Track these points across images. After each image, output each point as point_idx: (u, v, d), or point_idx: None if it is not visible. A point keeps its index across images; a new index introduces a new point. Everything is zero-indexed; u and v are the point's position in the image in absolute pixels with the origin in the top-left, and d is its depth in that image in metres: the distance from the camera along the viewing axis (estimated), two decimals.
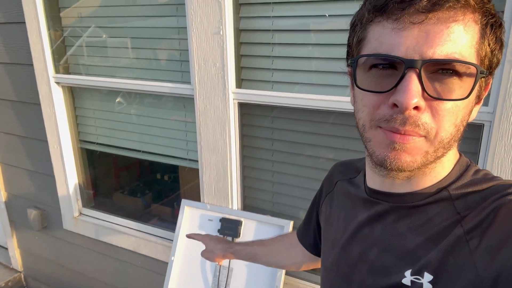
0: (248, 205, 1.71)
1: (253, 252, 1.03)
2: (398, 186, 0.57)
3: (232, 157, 1.60)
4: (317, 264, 0.94)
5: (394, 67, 0.48)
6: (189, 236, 1.15)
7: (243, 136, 1.62)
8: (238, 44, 1.50)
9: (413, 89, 0.45)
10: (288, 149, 1.56)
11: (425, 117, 0.47)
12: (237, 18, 1.47)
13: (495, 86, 1.11)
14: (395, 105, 0.47)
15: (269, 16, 1.42)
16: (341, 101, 1.35)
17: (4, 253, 2.81)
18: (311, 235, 0.88)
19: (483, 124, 1.16)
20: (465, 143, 1.23)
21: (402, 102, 0.45)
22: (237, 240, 1.60)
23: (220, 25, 1.44)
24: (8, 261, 2.75)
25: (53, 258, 2.47)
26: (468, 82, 0.47)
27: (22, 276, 2.73)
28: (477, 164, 1.20)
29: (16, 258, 2.68)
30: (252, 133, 1.61)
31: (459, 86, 0.47)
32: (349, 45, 0.57)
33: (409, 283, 0.52)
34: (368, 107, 0.51)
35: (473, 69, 0.46)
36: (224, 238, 1.16)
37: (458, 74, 0.46)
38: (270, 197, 1.66)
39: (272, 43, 1.45)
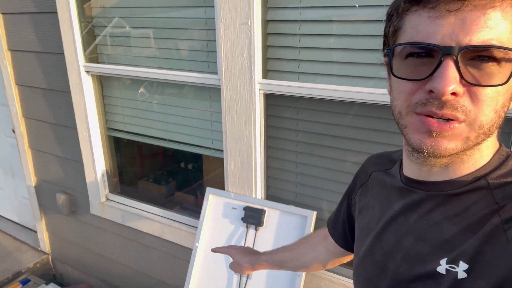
0: (271, 195, 1.73)
1: (279, 260, 1.03)
2: (435, 174, 0.56)
3: (257, 147, 1.62)
4: (343, 260, 0.95)
5: (430, 55, 0.48)
6: (214, 250, 1.15)
7: (268, 126, 1.63)
8: (266, 34, 1.51)
9: (450, 75, 0.45)
10: (313, 140, 1.56)
11: (463, 101, 0.47)
12: (265, 8, 1.48)
13: None
14: (431, 92, 0.47)
15: (297, 7, 1.42)
16: (367, 93, 1.34)
17: (33, 236, 2.93)
18: (340, 227, 0.88)
19: None
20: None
21: (439, 89, 0.46)
22: (261, 229, 1.63)
23: (248, 15, 1.45)
24: (36, 244, 2.86)
25: (79, 242, 2.56)
26: (506, 67, 0.46)
27: (50, 258, 2.85)
28: None
29: (44, 240, 2.79)
30: (277, 124, 1.62)
31: (497, 72, 0.46)
32: (385, 35, 0.57)
33: (444, 272, 0.52)
34: (404, 94, 0.51)
35: (511, 54, 0.46)
36: (249, 248, 1.14)
37: (496, 60, 0.46)
38: (294, 188, 1.67)
39: (299, 34, 1.45)
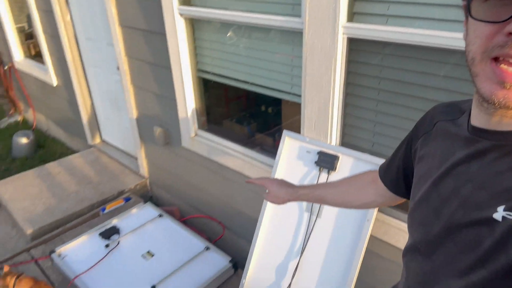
0: (346, 143, 1.75)
1: (321, 195, 1.05)
2: (505, 124, 0.55)
3: (335, 93, 1.62)
4: (391, 203, 0.97)
5: None
6: (248, 181, 1.18)
7: (349, 73, 1.61)
8: None
9: None
10: (397, 89, 1.51)
11: None
12: None
13: None
14: (511, 34, 0.46)
15: None
16: (460, 38, 1.23)
17: (134, 162, 3.38)
18: (393, 172, 0.89)
19: None
20: None
21: None
22: (333, 173, 1.68)
23: None
24: (137, 168, 3.31)
25: (172, 170, 2.90)
26: None
27: (148, 182, 3.28)
28: None
29: (143, 166, 3.21)
30: (359, 70, 1.59)
31: None
32: None
33: (499, 219, 0.53)
34: (480, 38, 0.50)
35: None
36: (284, 180, 1.14)
37: None
38: (371, 137, 1.67)
39: None
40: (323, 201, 1.07)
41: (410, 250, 0.74)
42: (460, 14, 1.25)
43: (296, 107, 1.84)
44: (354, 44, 1.54)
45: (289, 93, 1.90)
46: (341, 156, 1.66)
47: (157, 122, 2.78)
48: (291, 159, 1.82)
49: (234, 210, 2.50)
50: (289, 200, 1.11)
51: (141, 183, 3.25)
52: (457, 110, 0.71)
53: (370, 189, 0.98)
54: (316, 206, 1.72)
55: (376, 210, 1.56)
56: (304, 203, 1.78)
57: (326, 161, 1.67)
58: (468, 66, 0.54)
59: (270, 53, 1.90)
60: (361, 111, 1.65)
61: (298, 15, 1.66)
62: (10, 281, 1.85)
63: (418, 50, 1.39)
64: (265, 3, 1.80)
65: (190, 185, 2.79)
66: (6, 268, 1.91)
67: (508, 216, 0.52)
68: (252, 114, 2.51)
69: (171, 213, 2.83)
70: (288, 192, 1.10)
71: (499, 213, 0.53)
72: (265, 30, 1.88)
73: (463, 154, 0.61)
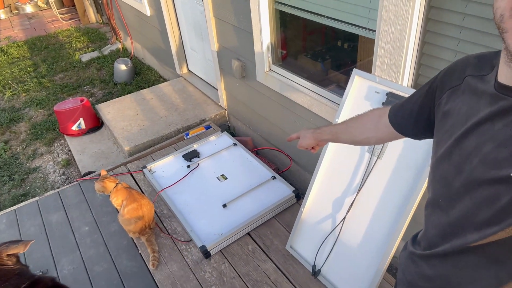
0: (420, 84, 1.65)
1: (334, 131, 1.14)
2: None
3: (412, 30, 1.51)
4: (390, 139, 1.00)
5: None
6: (289, 139, 1.32)
7: (430, 7, 1.47)
8: None
9: None
10: (482, 28, 1.35)
11: None
12: None
13: None
14: None
15: None
16: None
17: (215, 93, 3.58)
18: (406, 113, 0.89)
19: None
20: None
21: None
22: None
23: None
24: (217, 99, 3.52)
25: (248, 103, 3.04)
26: None
27: (226, 113, 3.49)
28: None
29: (223, 98, 3.40)
30: (441, 5, 1.44)
31: None
32: None
33: None
34: None
35: None
36: (317, 128, 1.26)
37: None
38: None
39: None
40: (336, 137, 1.15)
41: (431, 204, 0.76)
42: None
43: (373, 45, 1.76)
44: None
45: (365, 28, 1.81)
46: None
47: (235, 55, 2.87)
48: (359, 99, 1.79)
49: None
50: (314, 139, 1.22)
51: (220, 113, 3.47)
52: (488, 65, 0.67)
53: (372, 123, 1.01)
54: (378, 148, 1.71)
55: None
56: None
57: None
58: (496, 22, 0.52)
59: None
60: (440, 50, 1.52)
61: None
62: (109, 184, 2.24)
63: None
64: None
65: (263, 119, 2.92)
66: (103, 172, 2.29)
67: None
68: (327, 50, 2.44)
69: (244, 143, 3.03)
70: (313, 133, 1.21)
71: None
72: None
73: (487, 112, 0.60)
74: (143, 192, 2.68)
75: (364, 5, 1.75)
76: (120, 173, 2.88)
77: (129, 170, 2.92)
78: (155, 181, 2.70)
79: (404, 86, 1.63)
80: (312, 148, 1.30)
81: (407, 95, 1.58)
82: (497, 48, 1.32)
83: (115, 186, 2.24)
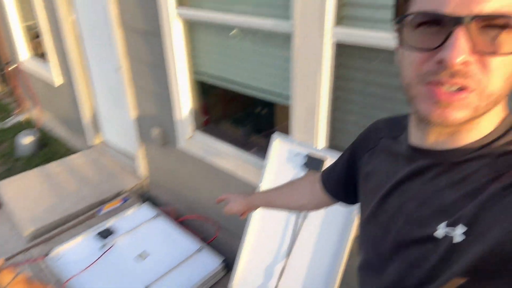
0: (335, 146, 1.74)
1: (268, 199, 1.11)
2: (441, 143, 0.57)
3: (323, 97, 1.62)
4: (324, 205, 1.00)
5: (441, 24, 0.47)
6: (218, 200, 1.24)
7: (336, 76, 1.61)
8: None
9: (460, 45, 0.45)
10: (383, 94, 1.50)
11: (474, 70, 0.47)
12: None
13: None
14: (441, 62, 0.47)
15: None
16: None
17: (133, 162, 3.41)
18: (335, 178, 0.91)
19: None
20: None
21: (449, 59, 0.45)
22: None
23: None
24: (136, 169, 3.34)
25: (170, 171, 2.92)
26: None
27: (146, 182, 3.31)
28: None
29: (142, 167, 3.24)
30: (346, 74, 1.58)
31: (508, 40, 0.45)
32: (396, 4, 0.56)
33: (442, 235, 0.54)
34: (413, 64, 0.51)
35: None
36: (246, 194, 1.21)
37: (507, 28, 0.45)
38: None
39: None
40: (269, 204, 1.11)
41: (363, 267, 0.75)
42: None
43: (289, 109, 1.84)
44: (343, 48, 1.54)
45: (281, 94, 1.90)
46: (328, 159, 1.65)
47: (156, 123, 2.80)
48: (280, 162, 1.82)
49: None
50: (245, 205, 1.16)
51: (140, 184, 3.27)
52: (399, 127, 0.71)
53: (307, 190, 1.00)
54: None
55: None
56: None
57: (313, 164, 1.67)
58: (404, 90, 0.55)
59: (261, 55, 1.91)
60: (348, 114, 1.64)
61: (288, 18, 1.66)
62: (6, 277, 1.88)
63: None
64: (257, 5, 1.81)
65: (187, 186, 2.81)
66: (0, 262, 1.94)
67: (450, 233, 0.53)
68: (248, 114, 2.52)
69: (167, 214, 2.85)
70: (244, 198, 1.16)
71: (440, 231, 0.54)
72: (257, 32, 1.88)
73: (405, 172, 0.63)
74: (47, 284, 2.30)
75: (278, 74, 1.86)
76: (19, 263, 2.47)
77: (31, 257, 2.52)
78: (62, 268, 2.35)
79: (321, 148, 1.71)
80: (242, 214, 1.24)
81: (324, 156, 1.64)
82: (397, 111, 1.47)
83: (12, 279, 1.89)
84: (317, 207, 1.03)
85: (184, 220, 2.92)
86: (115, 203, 2.99)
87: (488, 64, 0.47)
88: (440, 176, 0.57)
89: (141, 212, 2.84)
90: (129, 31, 2.61)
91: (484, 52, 0.46)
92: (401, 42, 0.53)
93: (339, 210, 1.61)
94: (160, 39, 2.34)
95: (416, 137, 0.61)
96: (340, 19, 1.50)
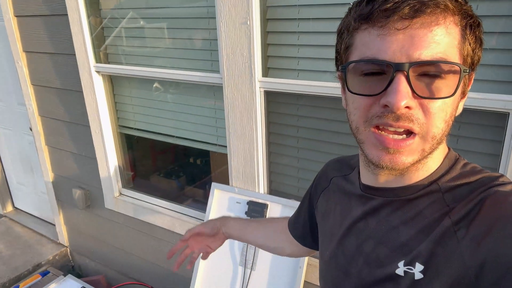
0: (274, 190, 1.78)
1: (244, 227, 0.99)
2: (392, 182, 0.59)
3: (259, 143, 1.66)
4: (303, 254, 0.96)
5: (383, 71, 0.50)
6: (174, 250, 1.03)
7: (269, 123, 1.67)
8: (265, 33, 1.55)
9: (402, 90, 0.48)
10: (314, 136, 1.60)
11: (417, 114, 0.50)
12: (264, 7, 1.51)
13: None
14: (386, 106, 0.49)
15: (296, 5, 1.45)
16: None
17: (52, 229, 3.06)
18: (300, 227, 0.90)
19: (509, 112, 1.14)
20: (489, 131, 1.22)
21: (393, 103, 0.48)
22: None
23: (248, 15, 1.49)
24: (55, 237, 3.00)
25: (96, 235, 2.67)
26: (453, 80, 0.49)
27: (68, 251, 2.98)
28: (502, 152, 1.20)
29: (62, 233, 2.92)
30: (278, 120, 1.66)
31: (445, 85, 0.49)
32: (337, 51, 0.59)
33: (402, 274, 0.55)
34: (360, 109, 0.53)
35: (457, 68, 0.49)
36: (208, 227, 1.01)
37: (444, 74, 0.49)
38: (296, 183, 1.72)
39: (298, 32, 1.48)
40: (245, 237, 1.00)
41: None
42: None
43: (225, 157, 1.85)
44: (272, 97, 1.62)
45: (215, 144, 1.91)
46: (269, 204, 1.67)
47: (76, 184, 2.59)
48: (222, 212, 1.79)
49: (167, 271, 2.35)
50: (213, 230, 1.00)
51: (61, 253, 2.93)
52: (347, 167, 0.75)
53: (285, 235, 0.95)
54: (250, 259, 1.68)
55: (307, 256, 1.58)
56: (238, 256, 1.74)
57: (256, 210, 1.68)
58: (353, 133, 0.57)
59: (193, 107, 1.92)
60: (285, 158, 1.70)
61: (217, 71, 1.71)
62: None
63: (328, 100, 1.50)
64: (184, 59, 1.84)
65: (117, 249, 2.59)
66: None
67: (409, 271, 0.54)
68: (180, 166, 2.46)
69: (96, 284, 2.57)
70: (215, 223, 1.00)
71: (401, 269, 0.55)
72: (186, 84, 1.90)
73: (360, 212, 0.64)
74: None
75: (211, 125, 1.88)
76: None
77: None
78: None
79: (261, 193, 1.72)
80: (204, 253, 1.03)
81: (266, 202, 1.66)
82: (331, 152, 1.57)
83: None
84: (295, 254, 0.97)
85: None
86: (33, 279, 2.61)
87: (428, 108, 0.49)
88: (394, 213, 0.59)
89: (64, 286, 2.52)
90: (42, 88, 2.45)
91: (424, 96, 0.49)
92: (346, 88, 0.55)
93: (285, 260, 1.61)
94: (81, 95, 2.23)
95: (366, 177, 0.64)
96: (267, 70, 1.59)
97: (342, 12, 1.36)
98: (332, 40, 1.39)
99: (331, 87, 1.43)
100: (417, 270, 0.53)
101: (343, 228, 0.67)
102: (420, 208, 0.56)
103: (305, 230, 0.89)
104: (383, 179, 0.60)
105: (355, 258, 0.64)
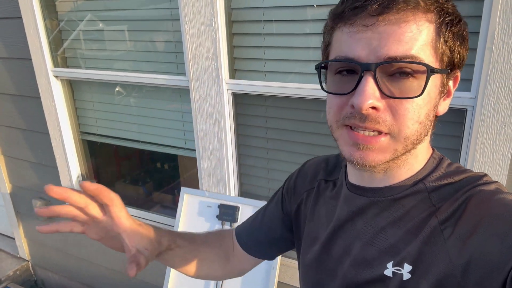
0: (245, 192, 1.77)
1: (175, 239, 0.76)
2: (377, 180, 0.59)
3: (228, 145, 1.65)
4: (240, 270, 0.85)
5: (353, 71, 0.50)
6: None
7: (238, 125, 1.67)
8: (231, 35, 1.54)
9: (368, 91, 0.48)
10: (282, 137, 1.61)
11: (385, 115, 0.49)
12: (229, 9, 1.50)
13: (477, 72, 1.15)
14: (353, 106, 0.49)
15: (260, 7, 1.45)
16: None
17: (11, 243, 2.89)
18: (259, 236, 0.83)
19: (466, 109, 1.20)
20: (449, 127, 1.28)
21: (358, 103, 0.48)
22: (235, 225, 1.67)
23: (212, 17, 1.48)
24: (15, 251, 2.83)
25: (59, 247, 2.55)
26: (422, 79, 0.48)
27: (30, 265, 2.82)
28: (461, 147, 1.26)
29: (23, 247, 2.76)
30: (246, 122, 1.66)
31: (415, 85, 0.48)
32: (322, 50, 0.59)
33: (390, 274, 0.55)
34: (333, 109, 0.53)
35: (424, 68, 0.48)
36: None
37: (413, 74, 0.48)
38: (266, 183, 1.72)
39: (263, 34, 1.49)
40: (173, 253, 0.76)
41: None
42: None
43: (194, 160, 1.82)
44: (240, 98, 1.62)
45: (183, 148, 1.87)
46: (241, 206, 1.66)
47: (37, 194, 2.46)
48: (192, 216, 1.76)
49: (136, 281, 2.28)
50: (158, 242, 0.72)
51: (22, 267, 2.77)
52: (336, 168, 0.73)
53: (225, 250, 0.84)
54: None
55: (279, 256, 1.58)
56: None
57: (228, 214, 1.66)
58: (330, 132, 0.57)
59: (159, 111, 1.88)
60: (254, 159, 1.70)
61: (183, 74, 1.68)
62: None
63: (295, 101, 1.52)
64: (147, 62, 1.80)
65: (82, 261, 2.48)
66: None
67: (398, 271, 0.54)
68: (147, 172, 2.39)
69: None
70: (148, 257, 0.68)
71: (389, 270, 0.55)
72: (151, 87, 1.86)
73: (346, 212, 0.63)
74: None
75: (179, 128, 1.84)
76: None
77: None
78: None
79: (232, 196, 1.71)
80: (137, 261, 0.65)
81: (237, 204, 1.65)
82: (299, 152, 1.58)
83: None
84: (238, 272, 0.87)
85: None
86: None
87: (397, 109, 0.49)
88: (381, 214, 0.58)
89: None
90: None
91: (391, 96, 0.48)
92: (322, 87, 0.55)
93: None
94: (38, 102, 2.12)
95: (353, 175, 0.63)
96: (234, 72, 1.58)
97: (305, 14, 1.38)
98: (297, 41, 1.42)
99: (297, 88, 1.45)
100: (406, 271, 0.53)
101: (328, 230, 0.66)
102: (407, 208, 0.56)
103: (265, 240, 0.82)
104: (368, 177, 0.59)
105: (341, 260, 0.63)
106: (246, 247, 0.84)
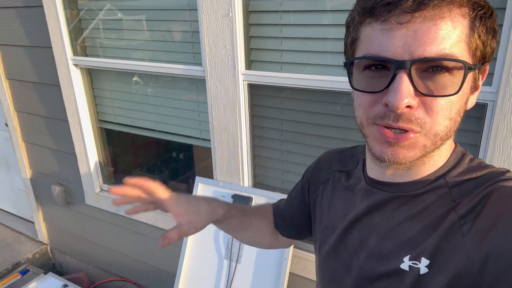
0: (258, 183, 1.78)
1: (232, 208, 0.84)
2: (398, 176, 0.58)
3: (243, 136, 1.66)
4: (282, 246, 0.95)
5: (386, 68, 0.49)
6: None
7: (253, 116, 1.67)
8: (248, 25, 1.53)
9: (403, 89, 0.47)
10: (297, 129, 1.60)
11: (418, 113, 0.49)
12: None
13: (499, 66, 1.12)
14: (387, 105, 0.49)
15: None
16: (347, 82, 1.37)
17: (31, 227, 2.99)
18: (288, 219, 0.88)
19: (487, 103, 1.18)
20: (469, 122, 1.25)
21: (393, 103, 0.47)
22: None
23: (230, 7, 1.47)
24: (34, 234, 2.92)
25: (77, 232, 2.62)
26: (458, 77, 0.48)
27: (48, 248, 2.91)
28: (480, 142, 1.23)
29: (42, 231, 2.85)
30: (261, 113, 1.65)
31: (450, 82, 0.48)
32: (345, 44, 0.58)
33: (407, 268, 0.55)
34: (363, 106, 0.53)
35: (461, 65, 0.47)
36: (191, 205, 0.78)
37: (448, 70, 0.47)
38: (280, 175, 1.72)
39: (281, 24, 1.48)
40: (229, 221, 0.84)
41: None
42: (339, 60, 1.40)
43: (208, 151, 1.83)
44: (255, 89, 1.62)
45: (198, 138, 1.89)
46: (254, 197, 1.67)
47: (56, 180, 2.53)
48: None
49: (151, 267, 2.33)
50: (210, 213, 0.79)
51: (41, 251, 2.86)
52: (351, 160, 0.73)
53: (264, 228, 0.91)
54: (235, 253, 1.69)
55: (291, 247, 1.59)
56: (223, 250, 1.74)
57: (242, 204, 1.67)
58: (359, 128, 0.57)
59: (175, 100, 1.89)
60: (269, 151, 1.70)
61: (200, 64, 1.69)
62: None
63: (312, 93, 1.51)
64: (165, 52, 1.81)
65: (98, 246, 2.55)
66: None
67: (414, 265, 0.54)
68: (162, 161, 2.43)
69: (78, 281, 2.53)
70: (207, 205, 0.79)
71: (406, 263, 0.55)
72: (168, 77, 1.87)
73: (364, 206, 0.63)
74: None
75: (194, 118, 1.86)
76: None
77: None
78: None
79: (246, 186, 1.72)
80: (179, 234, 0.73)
81: (251, 195, 1.66)
82: (314, 145, 1.58)
83: None
84: (273, 245, 0.95)
85: (98, 285, 2.62)
86: (12, 278, 2.54)
87: (431, 106, 0.48)
88: (400, 209, 0.58)
89: (46, 284, 2.46)
90: (18, 83, 2.36)
91: (427, 94, 0.48)
92: (352, 84, 0.54)
93: (270, 252, 1.62)
94: (58, 90, 2.16)
95: (373, 170, 0.63)
96: (250, 63, 1.58)
97: (324, 4, 1.37)
98: (314, 32, 1.40)
99: (314, 79, 1.44)
100: (423, 265, 0.53)
101: (345, 222, 0.66)
102: (426, 203, 0.56)
103: (296, 223, 0.87)
104: (390, 173, 0.59)
105: (357, 253, 0.63)
106: (280, 228, 0.90)
